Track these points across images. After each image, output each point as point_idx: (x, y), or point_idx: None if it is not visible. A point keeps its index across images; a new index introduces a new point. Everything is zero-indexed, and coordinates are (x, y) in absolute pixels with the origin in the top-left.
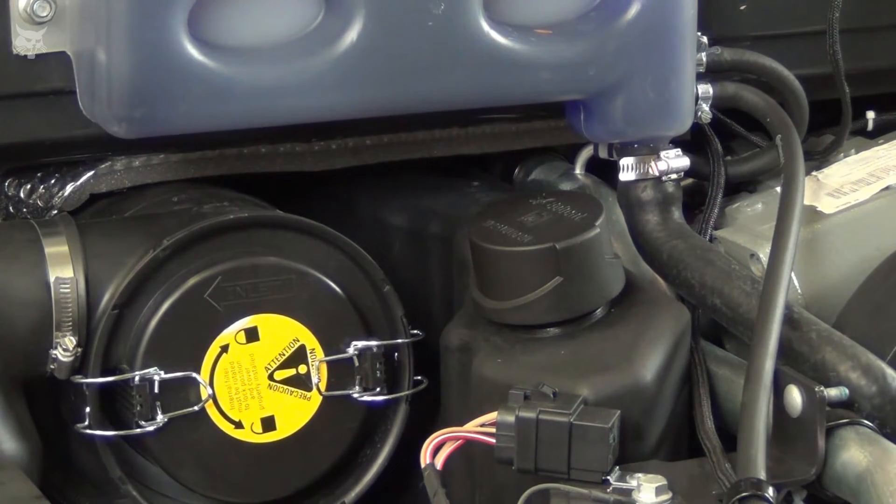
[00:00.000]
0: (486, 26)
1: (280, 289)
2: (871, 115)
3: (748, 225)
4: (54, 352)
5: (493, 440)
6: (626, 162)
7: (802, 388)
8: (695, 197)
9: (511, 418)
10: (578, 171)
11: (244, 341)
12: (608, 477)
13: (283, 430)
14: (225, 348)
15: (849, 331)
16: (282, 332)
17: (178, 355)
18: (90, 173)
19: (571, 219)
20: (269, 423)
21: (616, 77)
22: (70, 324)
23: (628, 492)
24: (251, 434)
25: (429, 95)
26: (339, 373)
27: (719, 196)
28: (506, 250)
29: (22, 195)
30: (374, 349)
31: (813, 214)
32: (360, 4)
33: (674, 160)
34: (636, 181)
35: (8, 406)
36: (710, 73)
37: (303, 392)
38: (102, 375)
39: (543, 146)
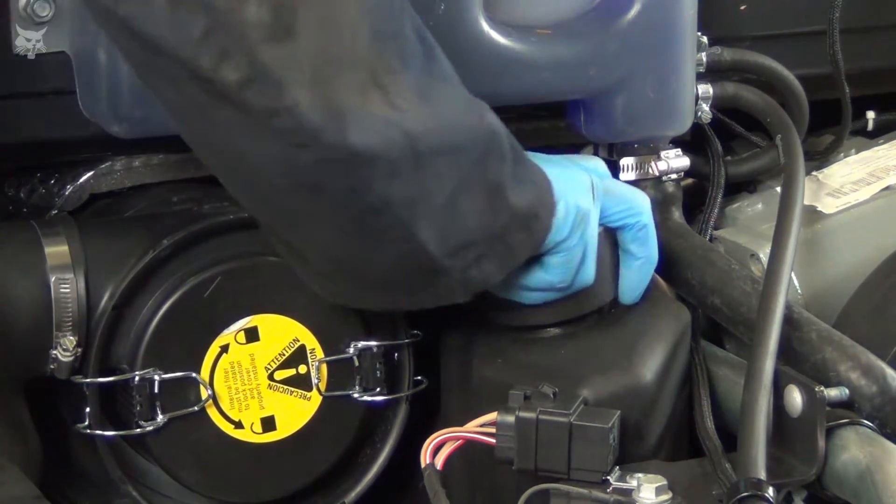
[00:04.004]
0: (486, 26)
1: (280, 289)
2: (871, 115)
3: (748, 225)
4: (54, 352)
5: (493, 440)
6: (626, 162)
7: (802, 388)
8: (695, 197)
9: (511, 418)
10: None
11: (244, 341)
12: (608, 477)
13: (283, 430)
14: (225, 348)
15: (849, 331)
16: (282, 332)
17: (178, 355)
18: (90, 173)
19: None
20: (269, 423)
21: (616, 77)
22: (70, 324)
23: (628, 492)
24: (251, 434)
25: None
26: (339, 373)
27: (719, 196)
28: None
29: (22, 195)
30: (375, 349)
31: (813, 214)
32: None
33: (674, 160)
34: (636, 181)
35: (8, 406)
36: (710, 73)
37: (303, 392)
38: (102, 375)
39: (543, 146)
